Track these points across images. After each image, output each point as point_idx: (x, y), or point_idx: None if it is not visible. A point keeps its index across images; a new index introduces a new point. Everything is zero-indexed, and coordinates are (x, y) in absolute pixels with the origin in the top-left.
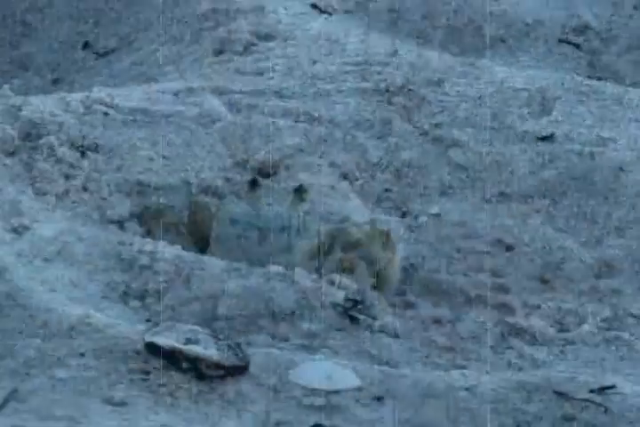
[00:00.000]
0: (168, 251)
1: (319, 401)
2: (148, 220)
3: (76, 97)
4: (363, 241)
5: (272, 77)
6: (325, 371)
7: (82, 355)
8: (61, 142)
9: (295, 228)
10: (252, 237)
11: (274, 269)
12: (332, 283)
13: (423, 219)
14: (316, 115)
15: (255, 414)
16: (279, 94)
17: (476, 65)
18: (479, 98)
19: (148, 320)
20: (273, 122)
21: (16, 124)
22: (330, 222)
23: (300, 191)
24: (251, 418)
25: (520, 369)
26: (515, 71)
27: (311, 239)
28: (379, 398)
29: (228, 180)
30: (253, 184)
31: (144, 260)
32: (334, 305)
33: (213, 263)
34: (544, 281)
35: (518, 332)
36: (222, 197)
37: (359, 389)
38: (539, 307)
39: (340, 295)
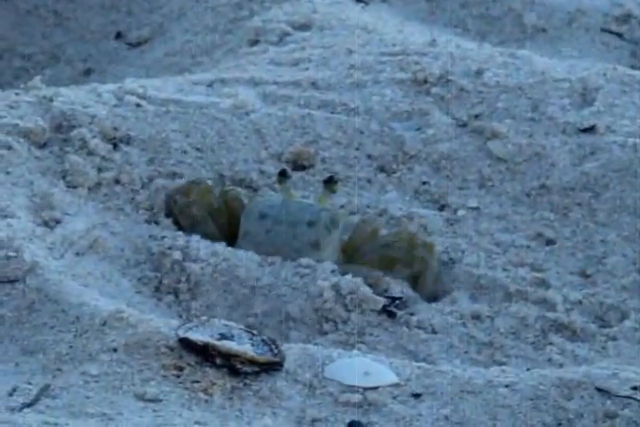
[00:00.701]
0: (202, 245)
1: (356, 398)
2: (177, 213)
3: (108, 88)
4: (394, 238)
5: (308, 68)
6: (362, 367)
7: (114, 351)
8: (93, 134)
9: (325, 222)
10: (281, 232)
11: (307, 263)
12: (366, 278)
13: (462, 212)
14: (353, 106)
15: (290, 411)
16: (315, 85)
17: (515, 55)
18: (519, 89)
19: (181, 315)
20: (308, 113)
21: (47, 116)
22: (365, 216)
23: (330, 183)
24: (286, 415)
25: (561, 366)
26: (556, 61)
27: (341, 234)
28: (417, 395)
29: (262, 172)
30: (282, 175)
31: (177, 254)
32: (371, 301)
33: (247, 258)
34: (585, 276)
35: (559, 328)
36: (256, 189)
37: (397, 385)
38: (580, 302)
39: (375, 291)
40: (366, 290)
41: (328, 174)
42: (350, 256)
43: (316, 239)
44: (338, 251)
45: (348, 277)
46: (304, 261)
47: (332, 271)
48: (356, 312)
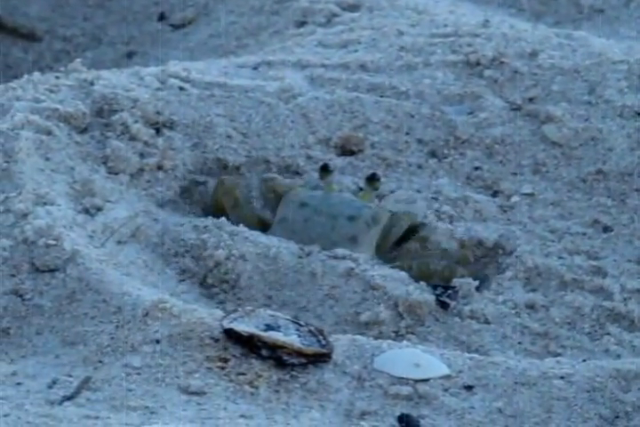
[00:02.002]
0: (246, 233)
1: (406, 390)
2: (221, 193)
3: (150, 71)
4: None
5: (356, 50)
6: (412, 359)
7: (157, 342)
8: (135, 119)
9: (366, 218)
10: (320, 222)
11: (343, 254)
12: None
13: (516, 199)
14: (403, 89)
15: (339, 403)
16: (364, 68)
17: (571, 36)
18: (575, 71)
19: (223, 305)
20: (357, 97)
21: (88, 100)
22: (423, 199)
23: (372, 180)
24: (334, 408)
25: (618, 356)
26: (613, 42)
27: (380, 232)
28: (469, 387)
29: (309, 158)
30: (324, 170)
31: (221, 243)
32: (424, 305)
33: (289, 252)
34: None
35: (616, 317)
36: (303, 175)
37: (448, 377)
38: (638, 291)
39: (424, 282)
40: (417, 294)
41: (377, 160)
42: (384, 255)
43: (355, 234)
44: (373, 249)
45: (396, 284)
46: (340, 251)
47: (373, 267)
48: (407, 318)
